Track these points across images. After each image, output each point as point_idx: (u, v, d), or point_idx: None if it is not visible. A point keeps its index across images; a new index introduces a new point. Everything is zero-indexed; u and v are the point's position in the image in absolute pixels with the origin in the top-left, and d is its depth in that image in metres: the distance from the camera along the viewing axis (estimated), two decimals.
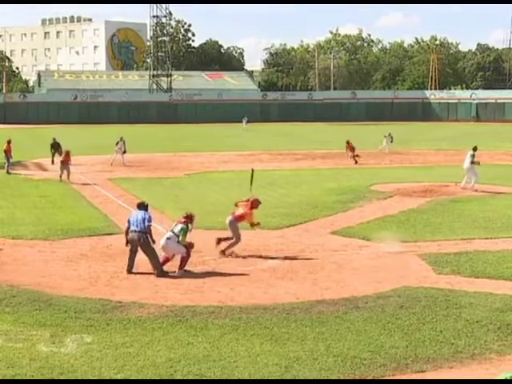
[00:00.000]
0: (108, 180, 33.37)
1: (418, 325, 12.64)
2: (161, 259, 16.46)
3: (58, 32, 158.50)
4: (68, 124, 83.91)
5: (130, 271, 16.34)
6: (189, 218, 16.79)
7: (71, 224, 22.20)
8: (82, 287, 15.12)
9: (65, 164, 33.38)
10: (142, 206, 16.84)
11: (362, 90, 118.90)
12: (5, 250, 18.57)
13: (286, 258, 17.79)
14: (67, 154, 34.01)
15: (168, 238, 16.47)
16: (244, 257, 17.74)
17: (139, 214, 16.56)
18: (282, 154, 47.15)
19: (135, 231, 16.33)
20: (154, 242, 16.38)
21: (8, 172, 35.77)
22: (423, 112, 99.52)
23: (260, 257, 17.91)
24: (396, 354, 11.26)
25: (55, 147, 40.76)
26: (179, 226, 16.54)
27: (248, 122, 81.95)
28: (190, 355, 11.16)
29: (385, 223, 22.38)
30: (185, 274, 16.26)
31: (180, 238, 16.41)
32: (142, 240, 16.24)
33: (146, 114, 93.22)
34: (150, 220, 16.47)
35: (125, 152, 40.80)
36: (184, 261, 16.38)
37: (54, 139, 41.32)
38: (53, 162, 40.10)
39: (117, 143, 41.09)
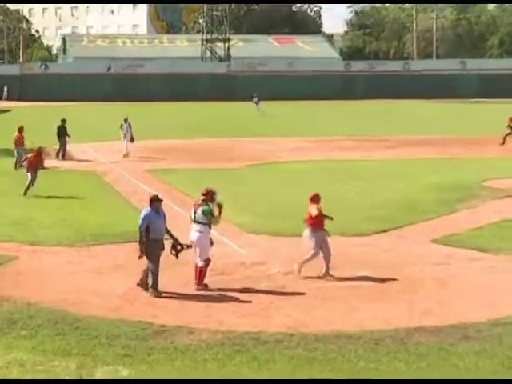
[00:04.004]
0: (147, 172, 33.65)
1: None
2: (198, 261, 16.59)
3: None
4: (99, 101, 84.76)
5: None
6: (208, 195, 16.81)
7: (103, 227, 22.45)
8: (116, 306, 15.30)
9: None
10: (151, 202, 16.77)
11: (473, 58, 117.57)
12: (21, 259, 18.87)
13: (373, 272, 17.74)
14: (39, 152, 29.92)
15: (201, 232, 16.58)
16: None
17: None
18: (369, 141, 46.98)
19: None
20: (141, 253, 16.40)
21: (16, 168, 34.47)
22: None
23: (340, 271, 17.86)
24: None
25: (61, 132, 38.78)
26: (200, 211, 16.55)
27: (258, 100, 72.15)
28: None
29: (501, 230, 22.12)
30: (204, 289, 16.39)
31: (211, 221, 16.53)
32: None
33: (195, 89, 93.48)
34: (142, 222, 16.32)
35: (132, 140, 39.36)
36: (202, 273, 16.56)
37: (64, 121, 39.54)
38: (58, 155, 38.22)
39: (121, 126, 40.20)
